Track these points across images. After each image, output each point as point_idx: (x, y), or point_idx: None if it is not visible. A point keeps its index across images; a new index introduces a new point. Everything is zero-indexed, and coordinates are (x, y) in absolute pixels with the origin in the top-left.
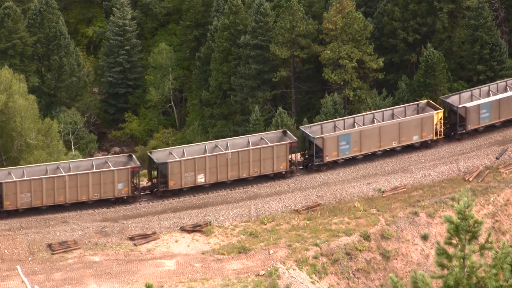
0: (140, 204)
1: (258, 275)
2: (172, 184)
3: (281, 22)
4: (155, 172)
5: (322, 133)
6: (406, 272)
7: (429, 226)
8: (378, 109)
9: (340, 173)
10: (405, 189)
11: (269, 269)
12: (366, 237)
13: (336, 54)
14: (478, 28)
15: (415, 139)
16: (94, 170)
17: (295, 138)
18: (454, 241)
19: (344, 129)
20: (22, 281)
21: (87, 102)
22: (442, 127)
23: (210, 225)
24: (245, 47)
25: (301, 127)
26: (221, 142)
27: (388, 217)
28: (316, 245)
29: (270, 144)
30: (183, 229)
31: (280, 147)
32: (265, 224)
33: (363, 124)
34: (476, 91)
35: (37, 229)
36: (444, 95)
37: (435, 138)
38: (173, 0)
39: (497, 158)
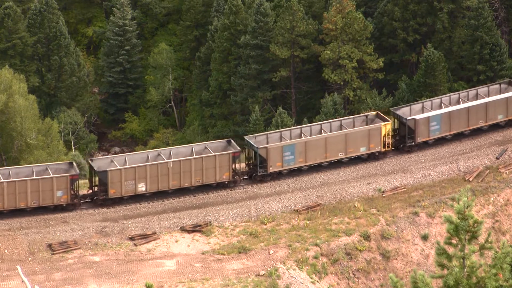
0: (140, 204)
1: (258, 275)
2: (112, 193)
3: (281, 22)
4: (96, 180)
5: (267, 143)
6: (406, 272)
7: (429, 226)
8: (378, 109)
9: (340, 173)
10: (405, 189)
11: (269, 269)
12: (366, 237)
13: (336, 54)
14: (478, 28)
15: (362, 150)
16: (33, 177)
17: (238, 148)
18: (454, 241)
19: (290, 139)
20: (22, 281)
21: (87, 102)
22: (391, 139)
23: (210, 225)
24: (245, 47)
25: (246, 137)
26: (164, 150)
27: (388, 217)
28: (316, 245)
29: (212, 154)
30: (183, 229)
31: (223, 156)
32: (265, 224)
33: (310, 135)
34: (427, 103)
35: (37, 229)
36: (395, 107)
37: (383, 150)
38: (173, 0)
39: (497, 158)
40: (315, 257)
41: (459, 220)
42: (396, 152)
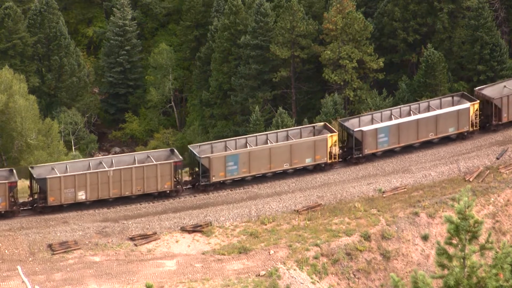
0: (141, 205)
1: (259, 275)
2: (52, 200)
3: (281, 22)
4: (36, 187)
5: (211, 153)
6: (406, 272)
7: (429, 226)
8: (378, 109)
9: (340, 174)
10: (405, 190)
11: (269, 269)
12: (367, 237)
13: (336, 54)
14: (478, 28)
15: (308, 161)
16: None
17: (180, 157)
18: (454, 241)
19: (235, 149)
20: (23, 282)
21: (88, 102)
22: (337, 150)
23: (211, 225)
24: (245, 47)
25: (189, 146)
26: (106, 159)
27: (388, 217)
28: (317, 245)
29: (153, 163)
30: (183, 229)
31: (164, 165)
32: (266, 225)
33: (256, 145)
34: (377, 115)
35: (37, 229)
36: (343, 118)
37: (329, 161)
38: (174, 0)
39: (497, 158)
40: (316, 257)
41: (459, 220)
42: (343, 163)
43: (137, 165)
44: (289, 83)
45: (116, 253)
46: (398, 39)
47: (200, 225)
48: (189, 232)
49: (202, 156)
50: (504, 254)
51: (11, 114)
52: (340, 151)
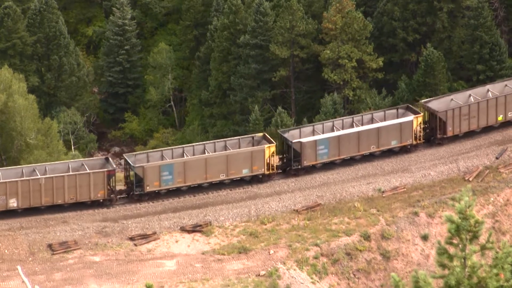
0: (141, 204)
1: (259, 275)
2: None
3: (281, 22)
4: None
5: (147, 162)
6: (406, 272)
7: (429, 226)
8: (378, 109)
9: (340, 173)
10: (405, 189)
11: (269, 269)
12: (366, 237)
13: (335, 53)
14: (477, 27)
15: (245, 172)
16: None
17: (114, 166)
18: (455, 241)
19: (172, 158)
20: (23, 281)
21: (87, 102)
22: (275, 161)
23: (210, 225)
24: (245, 46)
25: (125, 155)
26: (39, 166)
27: (388, 217)
28: (316, 245)
29: (86, 171)
30: (183, 229)
31: (97, 174)
32: (265, 224)
33: (193, 155)
34: (318, 126)
35: (37, 229)
36: (283, 129)
37: (267, 172)
38: (173, 0)
39: (497, 158)
40: (315, 257)
41: (460, 220)
42: (282, 175)
43: (69, 173)
44: (289, 83)
45: (116, 253)
46: (398, 39)
47: (200, 225)
48: (189, 232)
49: (136, 165)
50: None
51: (11, 114)
52: (280, 162)
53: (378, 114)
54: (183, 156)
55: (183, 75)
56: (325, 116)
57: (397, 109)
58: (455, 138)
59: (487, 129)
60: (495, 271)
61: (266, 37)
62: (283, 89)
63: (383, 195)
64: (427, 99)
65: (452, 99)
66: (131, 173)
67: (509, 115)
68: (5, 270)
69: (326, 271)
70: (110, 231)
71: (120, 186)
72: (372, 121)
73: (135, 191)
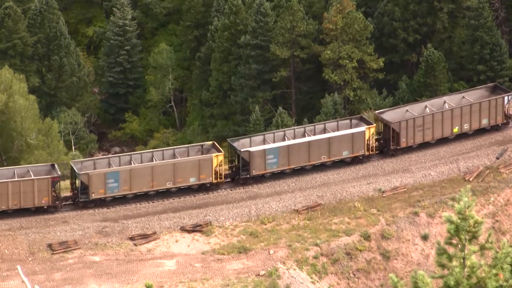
0: (141, 204)
1: (258, 275)
2: None
3: (281, 22)
4: None
5: (94, 169)
6: (406, 272)
7: (429, 226)
8: (379, 109)
9: (340, 173)
10: (405, 189)
11: (269, 269)
12: (366, 237)
13: (336, 54)
14: (478, 28)
15: (192, 181)
16: None
17: (59, 172)
18: (454, 241)
19: (119, 166)
20: (22, 281)
21: (88, 102)
22: (223, 170)
23: (210, 225)
24: (245, 47)
25: (71, 162)
26: None
27: (388, 217)
28: (316, 245)
29: (30, 178)
30: (183, 229)
31: (41, 181)
32: (265, 224)
33: (141, 162)
34: (269, 135)
35: (37, 229)
36: (232, 138)
37: (215, 181)
38: (174, 0)
39: (497, 158)
40: (315, 257)
41: (459, 220)
42: (231, 184)
43: (13, 179)
44: (289, 83)
45: (116, 252)
46: (398, 39)
47: (200, 225)
48: (189, 232)
49: (81, 172)
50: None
51: (11, 114)
52: (229, 171)
53: (331, 124)
54: (130, 163)
55: (183, 75)
56: (325, 116)
57: (351, 119)
58: (409, 149)
59: (443, 141)
60: (494, 271)
61: (266, 37)
62: (284, 89)
63: (383, 195)
64: (381, 110)
65: (407, 110)
66: (77, 180)
67: (465, 127)
68: (5, 270)
69: (326, 271)
70: (110, 231)
71: (67, 193)
72: (324, 131)
73: (80, 198)
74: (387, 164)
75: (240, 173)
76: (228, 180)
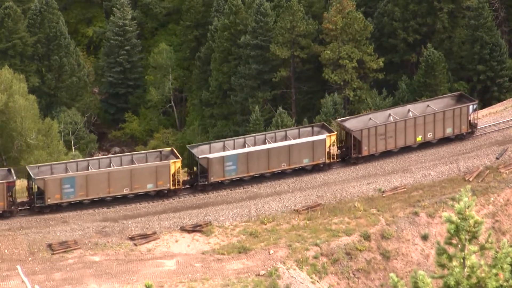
0: (140, 204)
1: (258, 275)
2: None
3: (281, 22)
4: None
5: (51, 174)
6: (406, 272)
7: (429, 226)
8: (378, 109)
9: (340, 173)
10: (405, 189)
11: (269, 269)
12: (366, 237)
13: (336, 54)
14: (478, 28)
15: (150, 187)
16: None
17: (14, 177)
18: (454, 241)
19: (77, 171)
20: (22, 281)
21: (87, 102)
22: (181, 176)
23: (210, 225)
24: (245, 47)
25: (28, 167)
26: None
27: (388, 217)
28: (316, 245)
29: None
30: (183, 229)
31: None
32: (265, 224)
33: (98, 168)
34: (229, 142)
35: (37, 229)
36: (192, 144)
37: (173, 187)
38: (173, 0)
39: (497, 158)
40: (315, 257)
41: (459, 220)
42: (190, 190)
43: None
44: (289, 83)
45: (115, 252)
46: (398, 39)
47: (200, 225)
48: (189, 231)
49: (37, 177)
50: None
51: (11, 114)
52: (188, 177)
53: (292, 131)
54: (87, 169)
55: (183, 75)
56: (325, 116)
57: (312, 127)
58: (371, 157)
59: (407, 149)
60: (494, 271)
61: (266, 37)
62: (284, 89)
63: (383, 195)
64: (344, 118)
65: (370, 118)
66: (34, 185)
67: (428, 136)
68: (5, 270)
69: (326, 271)
70: (110, 231)
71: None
72: (286, 138)
73: (36, 203)
74: (387, 164)
75: (199, 180)
76: (187, 186)
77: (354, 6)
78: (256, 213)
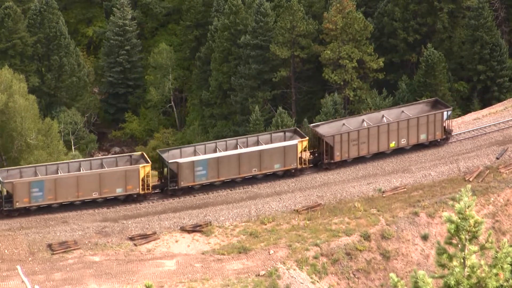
0: (140, 204)
1: (258, 275)
2: None
3: (281, 22)
4: None
5: (20, 177)
6: (406, 272)
7: (429, 226)
8: (379, 109)
9: (340, 173)
10: (405, 189)
11: (269, 269)
12: (366, 237)
13: (336, 54)
14: (478, 28)
15: (119, 191)
16: None
17: None
18: (454, 241)
19: (46, 175)
20: (22, 281)
21: (87, 102)
22: (150, 181)
23: (210, 225)
24: (245, 47)
25: None
26: None
27: (388, 217)
28: (316, 245)
29: None
30: (183, 229)
31: None
32: (265, 224)
33: (68, 172)
34: (200, 147)
35: (37, 229)
36: (162, 149)
37: (142, 192)
38: (173, 0)
39: (497, 158)
40: (315, 257)
41: (459, 220)
42: (160, 194)
43: None
44: (289, 83)
45: (115, 253)
46: (398, 39)
47: (200, 225)
48: (189, 232)
49: (6, 181)
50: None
51: (11, 114)
52: (158, 182)
53: (264, 137)
54: (57, 173)
55: (183, 75)
56: (325, 116)
57: (285, 132)
58: (344, 163)
59: (380, 155)
60: (494, 271)
61: (266, 37)
62: (284, 89)
63: (383, 195)
64: (317, 123)
65: (344, 124)
66: (2, 188)
67: (402, 142)
68: (5, 270)
69: (326, 271)
70: (110, 231)
71: None
72: (257, 143)
73: (4, 206)
74: (387, 164)
75: (169, 184)
76: (157, 191)
77: (354, 6)
78: (256, 213)
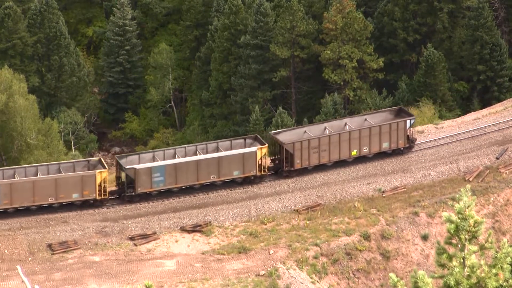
0: (141, 204)
1: (258, 275)
2: None
3: (281, 22)
4: None
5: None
6: (406, 272)
7: (429, 226)
8: (378, 109)
9: (340, 173)
10: (405, 189)
11: (269, 269)
12: (366, 237)
13: (336, 54)
14: (478, 28)
15: (75, 197)
16: None
17: None
18: (454, 241)
19: (3, 179)
20: (22, 281)
21: (87, 102)
22: (107, 187)
23: (210, 225)
24: (245, 47)
25: None
26: None
27: (388, 217)
28: (316, 245)
29: None
30: (183, 229)
31: None
32: (265, 224)
33: (25, 176)
34: (159, 153)
35: (37, 229)
36: (121, 154)
37: (99, 198)
38: (173, 0)
39: (497, 158)
40: (315, 257)
41: (459, 220)
42: (117, 200)
43: None
44: (289, 83)
45: (115, 253)
46: (398, 39)
47: (200, 225)
48: (189, 232)
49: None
50: (504, 254)
51: (11, 114)
52: (116, 187)
53: (224, 143)
54: (13, 177)
55: (183, 75)
56: (325, 116)
57: (245, 139)
58: (304, 171)
59: (342, 163)
60: (494, 271)
61: (266, 37)
62: (284, 89)
63: (383, 195)
64: (278, 130)
65: (305, 131)
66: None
67: (364, 150)
68: (5, 270)
69: (326, 271)
70: (110, 231)
71: None
72: (217, 150)
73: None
74: (387, 164)
75: (126, 190)
76: (115, 197)
77: (354, 6)
78: (256, 213)
